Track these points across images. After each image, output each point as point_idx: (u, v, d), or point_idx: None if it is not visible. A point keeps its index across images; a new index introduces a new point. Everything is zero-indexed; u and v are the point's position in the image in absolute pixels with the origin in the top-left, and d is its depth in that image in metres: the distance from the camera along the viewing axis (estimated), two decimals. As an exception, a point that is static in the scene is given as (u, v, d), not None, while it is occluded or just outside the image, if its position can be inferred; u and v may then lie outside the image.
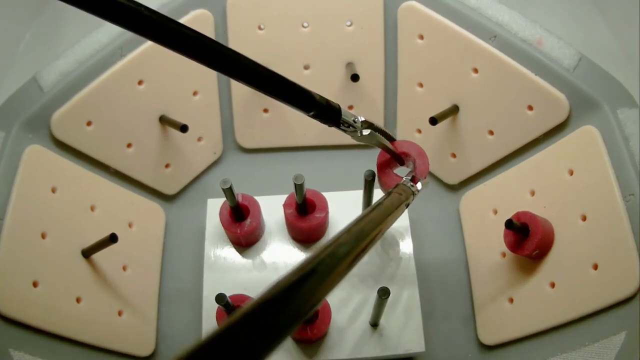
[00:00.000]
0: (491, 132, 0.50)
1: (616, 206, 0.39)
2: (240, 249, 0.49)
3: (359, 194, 0.49)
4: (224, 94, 0.56)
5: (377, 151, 0.58)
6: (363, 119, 0.36)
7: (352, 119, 0.35)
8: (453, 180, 0.55)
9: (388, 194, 0.35)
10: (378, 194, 0.48)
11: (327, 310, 0.43)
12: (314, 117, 0.33)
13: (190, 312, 0.50)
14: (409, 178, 0.38)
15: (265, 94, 0.31)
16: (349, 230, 0.28)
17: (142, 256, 0.50)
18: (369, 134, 0.36)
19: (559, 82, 0.44)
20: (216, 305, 0.41)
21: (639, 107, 0.42)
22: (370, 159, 0.58)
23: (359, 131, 0.35)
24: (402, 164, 0.40)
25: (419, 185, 0.38)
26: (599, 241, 0.39)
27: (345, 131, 0.35)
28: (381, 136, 0.37)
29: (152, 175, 0.53)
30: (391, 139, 0.38)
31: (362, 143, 0.37)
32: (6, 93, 0.46)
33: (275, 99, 0.31)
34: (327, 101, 0.33)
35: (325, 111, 0.33)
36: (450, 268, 0.52)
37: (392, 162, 0.40)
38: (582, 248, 0.40)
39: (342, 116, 0.34)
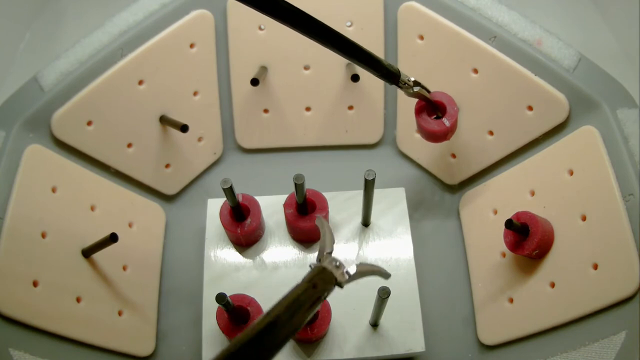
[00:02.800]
0: (491, 133, 0.50)
1: (616, 206, 0.39)
2: (241, 249, 0.49)
3: (359, 194, 0.49)
4: (224, 94, 0.56)
5: (377, 151, 0.58)
6: (413, 79, 0.45)
7: (407, 79, 0.44)
8: (453, 180, 0.55)
9: (300, 285, 0.29)
10: (378, 194, 0.48)
11: (327, 310, 0.43)
12: (380, 77, 0.43)
13: (190, 312, 0.50)
14: (334, 259, 0.30)
15: (351, 60, 0.41)
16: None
17: (142, 256, 0.50)
18: (418, 89, 0.45)
19: (559, 83, 0.44)
20: (216, 305, 0.41)
21: (638, 107, 0.42)
22: (370, 159, 0.58)
23: (411, 88, 0.45)
24: (438, 110, 0.47)
25: (352, 269, 0.30)
26: (599, 241, 0.39)
27: (401, 88, 0.45)
28: (425, 91, 0.46)
29: (152, 175, 0.53)
30: (429, 91, 0.47)
31: (413, 98, 0.47)
32: (7, 92, 0.46)
33: (357, 64, 0.42)
34: (390, 65, 0.43)
35: (389, 73, 0.43)
36: (450, 268, 0.52)
37: (427, 108, 0.47)
38: (582, 248, 0.40)
39: (400, 78, 0.44)
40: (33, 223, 0.41)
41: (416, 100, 0.47)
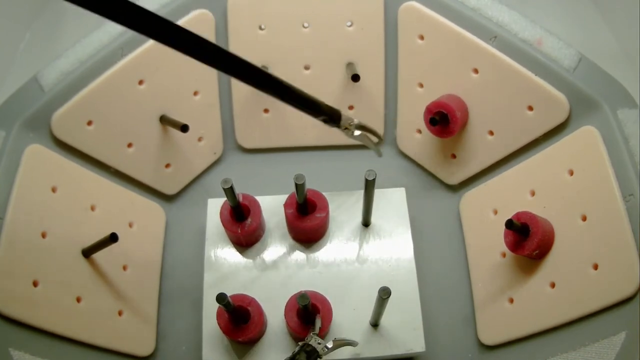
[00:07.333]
0: (491, 133, 0.50)
1: (616, 206, 0.39)
2: (241, 249, 0.49)
3: (359, 194, 0.49)
4: (224, 94, 0.56)
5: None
6: (357, 121, 0.44)
7: (349, 122, 0.44)
8: (453, 180, 0.55)
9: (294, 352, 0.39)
10: (378, 194, 0.48)
11: (328, 310, 0.43)
12: (323, 121, 0.41)
13: (190, 312, 0.50)
14: (317, 338, 0.40)
15: (288, 104, 0.38)
16: None
17: (142, 256, 0.50)
18: (360, 134, 0.45)
19: (559, 83, 0.44)
20: (216, 305, 0.41)
21: (639, 107, 0.42)
22: (370, 159, 0.58)
23: (352, 131, 0.44)
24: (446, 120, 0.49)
25: (329, 344, 0.40)
26: (599, 241, 0.39)
27: (343, 131, 0.44)
28: (371, 136, 0.45)
29: (152, 175, 0.53)
30: (380, 138, 0.47)
31: (357, 142, 0.46)
32: (7, 92, 0.46)
33: (294, 107, 0.38)
34: (331, 108, 0.41)
35: (330, 116, 0.42)
36: (450, 268, 0.52)
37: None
38: (582, 248, 0.40)
39: (342, 121, 0.43)
40: (33, 223, 0.41)
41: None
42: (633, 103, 0.42)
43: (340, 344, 0.41)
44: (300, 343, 0.39)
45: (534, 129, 0.47)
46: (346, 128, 0.43)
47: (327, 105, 0.41)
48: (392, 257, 0.48)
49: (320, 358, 0.39)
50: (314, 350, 0.38)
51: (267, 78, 0.35)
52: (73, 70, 0.46)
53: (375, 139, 0.47)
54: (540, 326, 0.42)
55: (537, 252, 0.42)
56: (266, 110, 0.56)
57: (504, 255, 0.47)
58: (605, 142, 0.41)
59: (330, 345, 0.40)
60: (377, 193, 0.47)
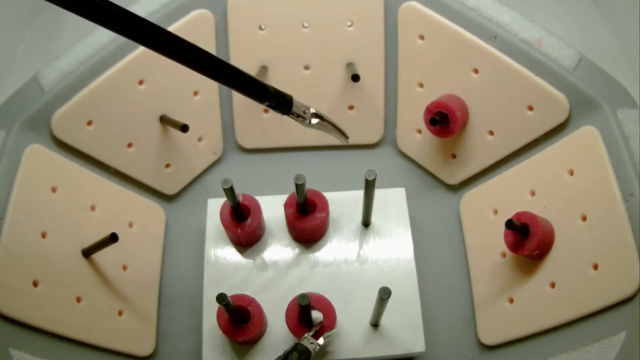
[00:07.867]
0: (491, 133, 0.50)
1: (616, 206, 0.39)
2: (241, 249, 0.49)
3: (359, 194, 0.49)
4: (224, 94, 0.56)
5: (377, 151, 0.58)
6: (314, 110, 0.40)
7: (303, 109, 0.39)
8: (453, 180, 0.55)
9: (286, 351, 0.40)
10: (378, 194, 0.48)
11: (332, 314, 0.43)
12: (269, 107, 0.37)
13: (190, 312, 0.50)
14: (310, 339, 0.41)
15: (228, 87, 0.35)
16: None
17: (142, 256, 0.50)
18: (317, 122, 0.40)
19: (559, 83, 0.44)
20: (216, 305, 0.41)
21: (639, 107, 0.42)
22: (370, 159, 0.58)
23: (307, 120, 0.40)
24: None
25: (320, 341, 0.41)
26: (599, 241, 0.39)
27: (296, 120, 0.39)
28: (331, 126, 0.41)
29: (152, 175, 0.53)
30: (346, 136, 0.43)
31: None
32: (7, 92, 0.46)
33: (237, 91, 0.35)
34: (281, 93, 0.37)
35: (279, 101, 0.37)
36: (450, 268, 0.52)
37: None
38: (582, 248, 0.40)
39: (293, 107, 0.38)
40: (33, 223, 0.41)
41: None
42: (633, 103, 0.42)
43: (327, 339, 0.42)
44: (294, 343, 0.40)
45: (534, 129, 0.47)
46: (299, 116, 0.38)
47: (275, 89, 0.36)
48: (392, 257, 0.48)
49: (311, 356, 0.40)
50: (306, 350, 0.39)
51: (192, 51, 0.31)
52: (73, 70, 0.46)
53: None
54: (540, 326, 0.42)
55: (537, 252, 0.42)
56: (266, 111, 0.56)
57: (504, 255, 0.47)
58: (605, 142, 0.41)
59: (321, 342, 0.41)
60: (377, 193, 0.47)
